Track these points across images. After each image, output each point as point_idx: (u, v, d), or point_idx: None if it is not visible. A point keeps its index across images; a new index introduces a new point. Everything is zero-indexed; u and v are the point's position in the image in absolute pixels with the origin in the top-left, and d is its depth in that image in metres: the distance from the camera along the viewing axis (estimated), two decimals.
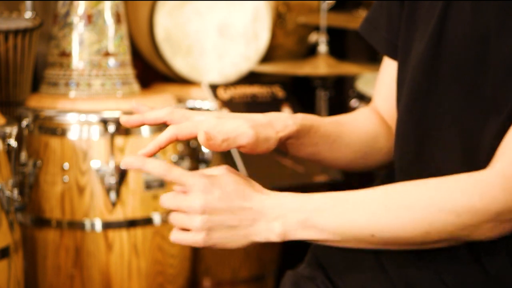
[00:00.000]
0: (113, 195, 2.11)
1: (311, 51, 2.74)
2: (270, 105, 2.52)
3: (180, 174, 1.09)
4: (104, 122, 2.12)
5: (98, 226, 2.12)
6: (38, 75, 2.36)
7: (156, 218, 2.18)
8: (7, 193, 1.81)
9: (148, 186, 2.17)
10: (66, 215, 2.12)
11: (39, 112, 2.15)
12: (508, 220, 1.06)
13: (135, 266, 2.14)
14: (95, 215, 2.12)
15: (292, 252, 2.01)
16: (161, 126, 2.08)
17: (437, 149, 1.19)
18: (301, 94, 2.71)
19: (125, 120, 1.17)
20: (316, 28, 2.66)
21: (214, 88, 2.49)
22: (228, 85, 2.52)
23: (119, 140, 2.13)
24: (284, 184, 2.34)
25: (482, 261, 1.13)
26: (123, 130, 2.12)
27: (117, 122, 2.11)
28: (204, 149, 2.41)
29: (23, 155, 2.14)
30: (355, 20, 2.63)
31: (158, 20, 2.46)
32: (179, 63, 2.51)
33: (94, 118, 2.13)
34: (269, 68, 2.60)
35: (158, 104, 2.22)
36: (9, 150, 1.86)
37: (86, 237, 2.11)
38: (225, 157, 2.37)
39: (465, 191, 1.06)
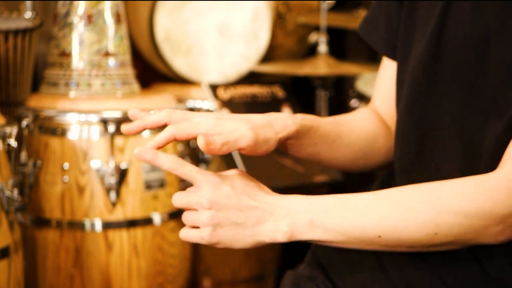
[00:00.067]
0: (113, 195, 2.11)
1: (311, 51, 2.74)
2: (270, 105, 2.52)
3: (190, 170, 1.10)
4: (104, 122, 2.11)
5: (98, 226, 2.12)
6: (38, 75, 2.36)
7: (156, 218, 2.18)
8: (7, 193, 1.81)
9: (148, 186, 2.17)
10: (66, 215, 2.12)
11: (39, 112, 2.15)
12: None
13: (135, 266, 2.14)
14: (95, 215, 2.12)
15: (292, 252, 2.01)
16: (161, 127, 2.08)
17: (437, 149, 1.19)
18: (301, 94, 2.71)
19: (126, 129, 1.17)
20: (316, 28, 2.66)
21: (214, 88, 2.49)
22: (228, 85, 2.52)
23: (119, 140, 2.13)
24: (284, 184, 2.34)
25: (482, 261, 1.13)
26: None
27: (117, 122, 2.11)
28: None
29: (23, 155, 2.14)
30: (355, 20, 2.63)
31: (158, 20, 2.46)
32: (179, 63, 2.51)
33: (94, 118, 2.13)
34: (269, 68, 2.60)
35: (158, 104, 2.22)
36: (9, 150, 1.86)
37: (86, 237, 2.11)
38: (225, 158, 2.37)
39: (472, 193, 1.06)
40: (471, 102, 1.15)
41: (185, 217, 1.11)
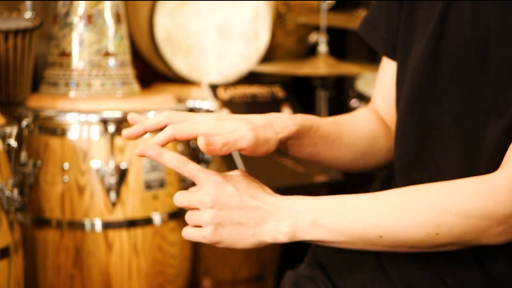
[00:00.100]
0: (113, 195, 2.11)
1: (311, 51, 2.74)
2: (270, 105, 2.52)
3: (194, 168, 1.10)
4: (104, 122, 2.11)
5: (98, 226, 2.12)
6: (38, 75, 2.36)
7: (156, 218, 2.18)
8: (7, 193, 1.81)
9: (148, 186, 2.17)
10: (66, 215, 2.12)
11: (39, 112, 2.15)
12: None
13: (135, 266, 2.14)
14: (95, 215, 2.12)
15: (292, 252, 2.01)
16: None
17: (437, 149, 1.19)
18: (301, 94, 2.71)
19: (127, 134, 1.17)
20: (316, 28, 2.66)
21: (214, 88, 2.49)
22: (228, 85, 2.52)
23: (119, 140, 2.13)
24: (284, 184, 2.34)
25: (483, 261, 1.13)
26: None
27: (117, 122, 2.11)
28: None
29: (23, 155, 2.14)
30: (355, 20, 2.63)
31: (158, 20, 2.46)
32: (179, 63, 2.51)
33: (94, 118, 2.13)
34: (269, 68, 2.60)
35: (158, 104, 2.22)
36: (9, 150, 1.86)
37: (86, 237, 2.11)
38: (225, 158, 2.37)
39: (474, 194, 1.06)
40: (471, 102, 1.15)
41: (188, 216, 1.11)
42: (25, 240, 2.03)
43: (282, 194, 1.13)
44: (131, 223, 2.14)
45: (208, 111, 2.45)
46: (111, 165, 2.11)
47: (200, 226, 1.10)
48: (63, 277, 2.13)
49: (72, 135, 2.13)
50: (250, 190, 1.11)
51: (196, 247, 2.42)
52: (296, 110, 2.51)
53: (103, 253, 2.12)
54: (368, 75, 2.45)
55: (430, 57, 1.19)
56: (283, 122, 1.19)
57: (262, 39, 2.60)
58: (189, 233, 1.11)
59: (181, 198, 1.11)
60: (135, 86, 2.31)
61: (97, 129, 2.13)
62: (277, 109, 2.51)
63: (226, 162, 2.39)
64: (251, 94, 2.53)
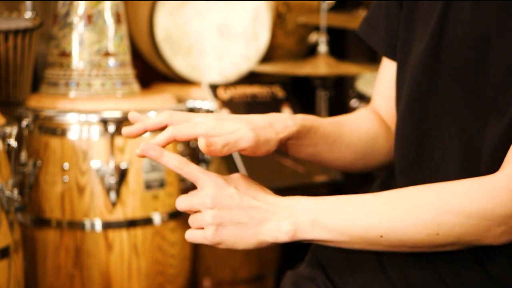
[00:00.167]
0: (113, 195, 2.11)
1: (311, 51, 2.74)
2: (270, 105, 2.52)
3: (194, 169, 1.10)
4: (104, 122, 2.11)
5: (98, 226, 2.12)
6: (38, 75, 2.36)
7: (156, 218, 2.18)
8: (7, 193, 1.81)
9: (148, 186, 2.17)
10: (66, 215, 2.12)
11: (39, 112, 2.15)
12: None
13: (135, 266, 2.14)
14: (95, 215, 2.12)
15: (292, 252, 2.01)
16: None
17: (437, 149, 1.19)
18: (301, 94, 2.71)
19: (127, 132, 1.17)
20: (316, 28, 2.66)
21: (214, 88, 2.49)
22: (228, 85, 2.52)
23: (119, 140, 2.13)
24: (284, 184, 2.34)
25: (483, 261, 1.13)
26: None
27: (117, 122, 2.11)
28: None
29: (23, 155, 2.14)
30: (355, 20, 2.63)
31: (158, 20, 2.46)
32: (179, 63, 2.51)
33: (94, 118, 2.13)
34: (269, 68, 2.60)
35: (158, 104, 2.22)
36: (9, 150, 1.86)
37: (86, 237, 2.11)
38: (226, 158, 2.37)
39: (474, 194, 1.06)
40: (471, 102, 1.15)
41: (191, 219, 1.12)
42: (25, 240, 2.03)
43: (283, 194, 1.13)
44: (131, 223, 2.14)
45: (208, 111, 2.45)
46: (111, 165, 2.11)
47: (202, 228, 1.10)
48: (63, 277, 2.13)
49: (72, 135, 2.13)
50: (250, 190, 1.11)
51: (196, 247, 2.42)
52: (296, 110, 2.51)
53: (103, 253, 2.12)
54: (368, 75, 2.45)
55: (430, 57, 1.19)
56: (283, 122, 1.19)
57: (262, 39, 2.60)
58: (191, 235, 1.12)
59: (182, 202, 1.11)
60: (135, 86, 2.31)
61: (97, 129, 2.13)
62: (277, 109, 2.51)
63: (226, 162, 2.39)
64: (251, 94, 2.53)
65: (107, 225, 2.12)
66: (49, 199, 2.13)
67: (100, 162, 2.12)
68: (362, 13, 2.76)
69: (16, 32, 2.06)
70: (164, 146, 1.12)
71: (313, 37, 2.61)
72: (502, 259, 1.12)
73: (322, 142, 1.27)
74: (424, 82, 1.20)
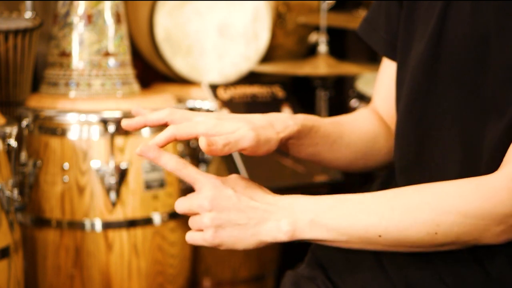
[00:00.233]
0: (113, 195, 2.11)
1: (311, 51, 2.74)
2: (270, 105, 2.52)
3: (192, 171, 1.10)
4: (104, 122, 2.12)
5: (98, 226, 2.12)
6: (38, 75, 2.36)
7: (156, 218, 2.18)
8: (7, 193, 1.81)
9: (148, 186, 2.17)
10: (66, 215, 2.12)
11: (39, 112, 2.15)
12: None
13: (135, 266, 2.14)
14: (95, 215, 2.12)
15: (292, 252, 2.01)
16: (161, 126, 2.08)
17: (437, 149, 1.19)
18: (301, 94, 2.71)
19: (126, 124, 1.17)
20: (316, 28, 2.66)
21: (214, 88, 2.49)
22: (228, 85, 2.52)
23: (119, 140, 2.13)
24: (284, 184, 2.34)
25: (483, 261, 1.13)
26: (123, 130, 2.12)
27: (117, 122, 2.11)
28: None
29: (23, 155, 2.14)
30: (355, 20, 2.63)
31: (158, 20, 2.46)
32: (179, 63, 2.51)
33: (94, 118, 2.13)
34: (269, 68, 2.60)
35: (158, 104, 2.22)
36: (9, 150, 1.86)
37: (86, 237, 2.11)
38: (226, 158, 2.37)
39: (473, 194, 1.06)
40: (471, 102, 1.15)
41: (190, 221, 1.12)
42: (25, 240, 2.03)
43: (283, 194, 1.13)
44: (131, 223, 2.14)
45: (208, 111, 2.45)
46: (111, 165, 2.11)
47: (202, 230, 1.10)
48: (63, 277, 2.13)
49: (72, 135, 2.13)
50: (248, 191, 1.11)
51: (196, 247, 2.42)
52: (296, 110, 2.51)
53: (103, 253, 2.12)
54: (368, 75, 2.45)
55: (430, 57, 1.19)
56: (284, 122, 1.19)
57: (262, 39, 2.60)
58: (192, 237, 1.12)
59: (181, 205, 1.11)
60: (135, 86, 2.31)
61: (97, 129, 2.13)
62: (277, 109, 2.51)
63: (226, 162, 2.39)
64: (251, 94, 2.53)
65: (107, 225, 2.12)
66: (49, 199, 2.13)
67: (100, 162, 2.12)
68: (362, 13, 2.76)
69: (16, 32, 2.06)
70: (164, 145, 1.12)
71: (313, 37, 2.61)
72: (501, 259, 1.12)
73: (322, 142, 1.27)
74: (424, 82, 1.20)
